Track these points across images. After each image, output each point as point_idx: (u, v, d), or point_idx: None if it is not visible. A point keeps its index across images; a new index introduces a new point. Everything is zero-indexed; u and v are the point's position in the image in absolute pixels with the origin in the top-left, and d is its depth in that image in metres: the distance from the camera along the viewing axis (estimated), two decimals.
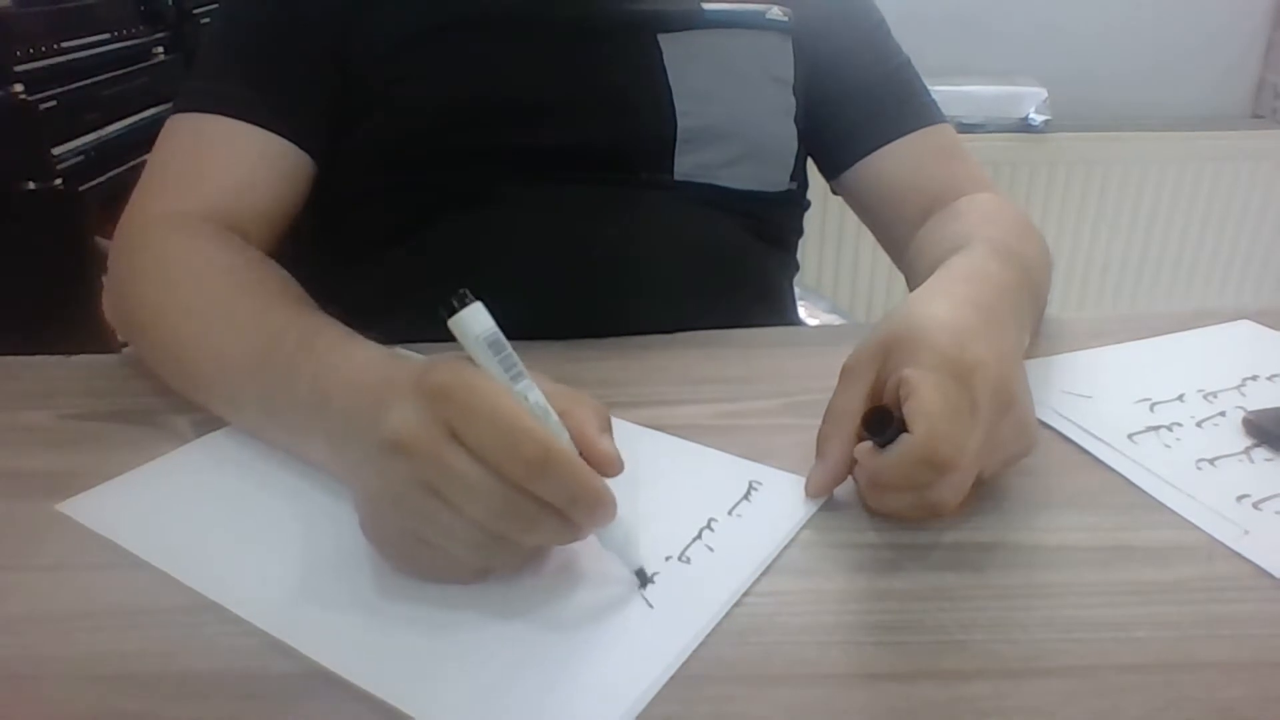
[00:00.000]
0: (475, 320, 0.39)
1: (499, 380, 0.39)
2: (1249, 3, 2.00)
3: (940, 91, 0.83)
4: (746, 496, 0.49)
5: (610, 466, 0.41)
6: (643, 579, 0.42)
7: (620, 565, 0.43)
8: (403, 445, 0.39)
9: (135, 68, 1.47)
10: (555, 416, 0.40)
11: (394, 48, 0.71)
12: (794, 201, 0.83)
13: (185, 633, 0.40)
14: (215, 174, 0.67)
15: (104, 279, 0.64)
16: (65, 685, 0.38)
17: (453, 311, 0.39)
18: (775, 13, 0.77)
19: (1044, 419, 0.56)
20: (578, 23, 0.73)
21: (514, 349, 0.40)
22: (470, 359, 0.40)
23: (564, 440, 0.40)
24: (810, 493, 0.49)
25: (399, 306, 0.66)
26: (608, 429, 0.43)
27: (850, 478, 0.49)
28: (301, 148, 0.70)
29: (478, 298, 0.40)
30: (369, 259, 0.74)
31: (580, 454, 0.40)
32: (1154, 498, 0.49)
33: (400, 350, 0.48)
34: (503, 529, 0.39)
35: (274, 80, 0.70)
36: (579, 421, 0.41)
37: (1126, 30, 1.98)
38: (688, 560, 0.44)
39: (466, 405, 0.38)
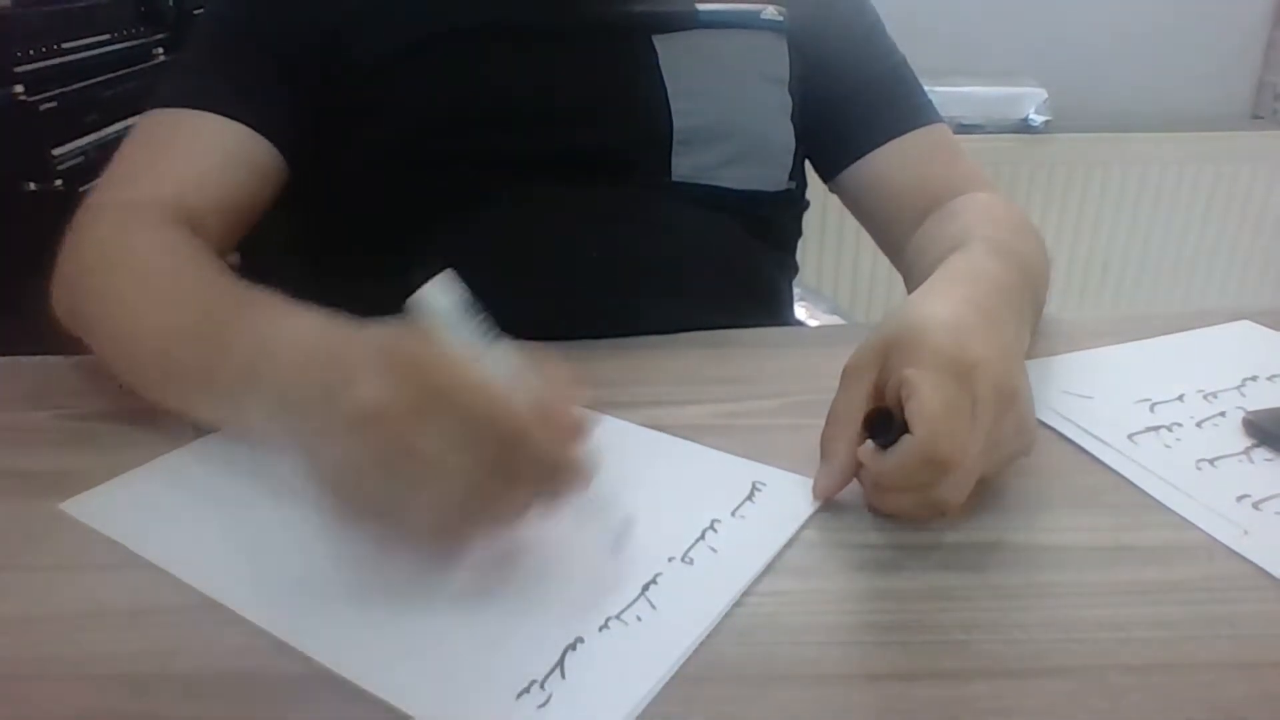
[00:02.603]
0: (443, 290, 0.39)
1: (469, 350, 0.39)
2: (1249, 3, 2.00)
3: (940, 92, 0.83)
4: (750, 497, 0.49)
5: (584, 430, 0.41)
6: (620, 543, 0.43)
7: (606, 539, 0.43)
8: (374, 418, 0.38)
9: (136, 68, 1.47)
10: (525, 385, 0.40)
11: (389, 56, 0.70)
12: (792, 201, 0.83)
13: (185, 633, 0.40)
14: (173, 165, 0.67)
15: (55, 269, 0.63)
16: (65, 685, 0.38)
17: (423, 285, 0.39)
18: (770, 13, 0.77)
19: (1044, 419, 0.56)
20: (573, 26, 0.73)
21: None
22: (436, 330, 0.39)
23: (536, 410, 0.40)
24: (818, 495, 0.49)
25: (400, 310, 0.66)
26: (574, 397, 0.42)
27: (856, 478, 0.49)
28: (270, 141, 0.69)
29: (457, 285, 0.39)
30: (368, 264, 0.74)
31: (554, 419, 0.40)
32: (1154, 498, 0.49)
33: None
34: (476, 503, 0.39)
35: (245, 76, 0.70)
36: (551, 389, 0.41)
37: (1126, 30, 1.98)
38: (690, 561, 0.44)
39: (439, 380, 0.38)
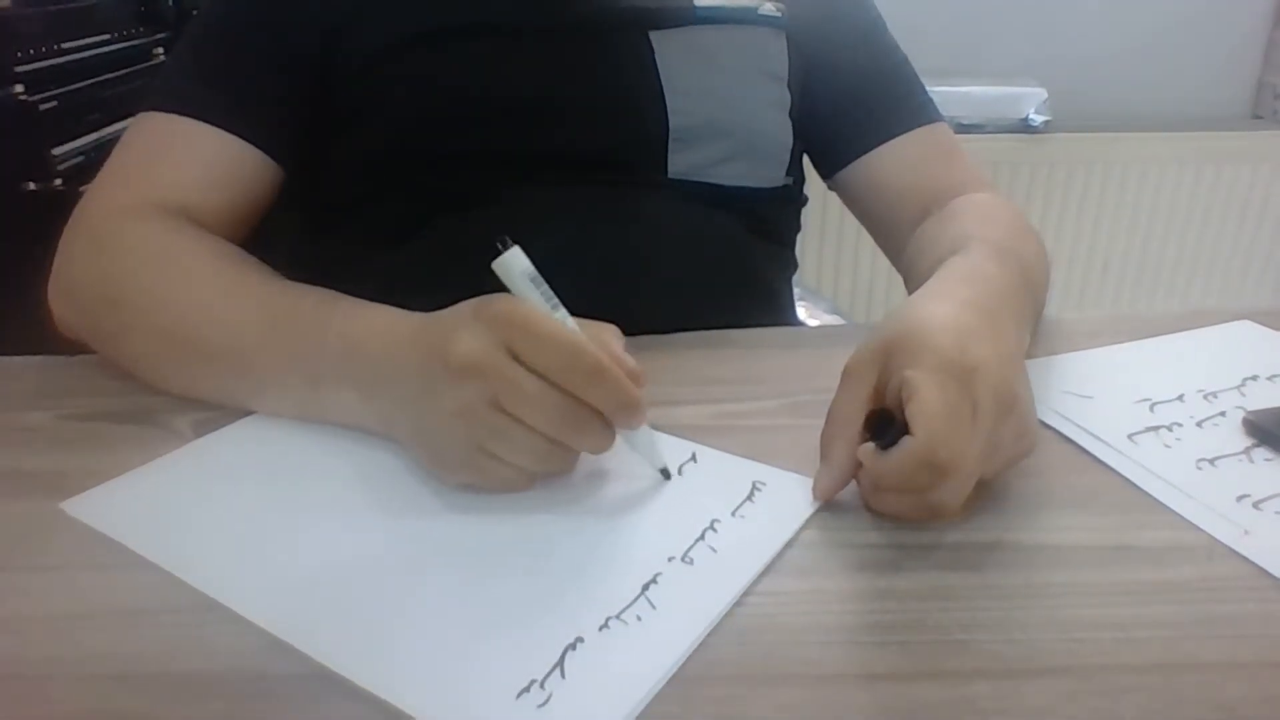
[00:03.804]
0: (516, 260, 0.46)
1: (541, 309, 0.46)
2: (1249, 3, 2.00)
3: (940, 92, 0.83)
4: (750, 497, 0.49)
5: (639, 377, 0.47)
6: (666, 475, 0.50)
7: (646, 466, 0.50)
8: (470, 367, 0.45)
9: (135, 68, 1.47)
10: (586, 339, 0.46)
11: (385, 54, 0.70)
12: (790, 198, 0.83)
13: (185, 633, 0.40)
14: (175, 172, 0.67)
15: (58, 270, 0.64)
16: (65, 685, 0.38)
17: (496, 254, 0.46)
18: (768, 8, 0.77)
19: (1044, 419, 0.56)
20: (569, 22, 0.73)
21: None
22: (512, 295, 0.46)
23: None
24: (818, 496, 0.49)
25: (400, 307, 0.66)
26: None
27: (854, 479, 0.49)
28: (265, 152, 0.70)
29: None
30: (366, 262, 0.74)
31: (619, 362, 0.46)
32: (1154, 498, 0.49)
33: None
34: (561, 435, 0.46)
35: (241, 84, 0.70)
36: (606, 342, 0.47)
37: (1126, 30, 1.98)
38: (690, 561, 0.44)
39: (526, 329, 0.44)
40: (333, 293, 0.57)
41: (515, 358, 0.44)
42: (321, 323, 0.54)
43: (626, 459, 0.50)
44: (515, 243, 0.46)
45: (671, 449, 0.53)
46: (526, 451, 0.46)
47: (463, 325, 0.46)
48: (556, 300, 0.47)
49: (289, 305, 0.57)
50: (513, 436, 0.45)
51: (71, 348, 0.64)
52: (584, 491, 0.50)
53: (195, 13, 0.75)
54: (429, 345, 0.47)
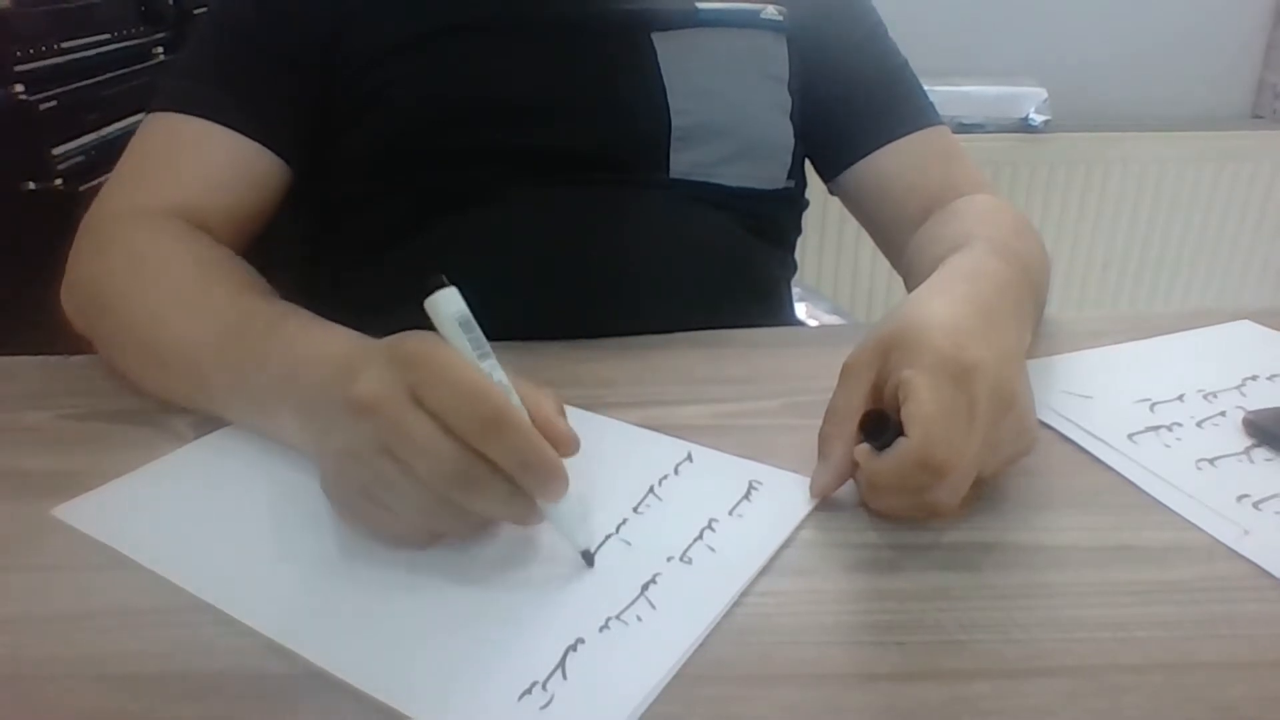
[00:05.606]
0: (447, 302, 0.42)
1: (467, 356, 0.41)
2: (1249, 3, 2.00)
3: (940, 91, 0.83)
4: (747, 496, 0.49)
5: (566, 444, 0.42)
6: (589, 560, 0.44)
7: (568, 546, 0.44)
8: (366, 406, 0.41)
9: (135, 68, 1.47)
10: (516, 397, 0.42)
11: (387, 52, 0.71)
12: (791, 200, 0.83)
13: (185, 633, 0.40)
14: (184, 174, 0.68)
15: (67, 268, 0.64)
16: (65, 685, 0.38)
17: (428, 294, 0.41)
18: (770, 12, 0.78)
19: (1044, 419, 0.56)
20: (572, 23, 0.73)
21: (505, 346, 0.42)
22: (442, 338, 0.42)
23: (522, 413, 0.41)
24: (814, 493, 0.49)
25: (399, 308, 0.66)
26: (563, 415, 0.44)
27: (852, 478, 0.49)
28: (275, 153, 0.70)
29: (456, 284, 0.42)
30: (368, 261, 0.75)
31: (539, 419, 0.42)
32: (1154, 498, 0.49)
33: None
34: (452, 492, 0.40)
35: (250, 85, 0.70)
36: (537, 403, 0.43)
37: (1126, 31, 1.98)
38: (689, 561, 0.44)
39: (429, 369, 0.40)
40: (285, 312, 0.55)
41: (417, 401, 0.40)
42: (265, 348, 0.53)
43: (625, 463, 0.50)
44: (451, 282, 0.42)
45: (668, 449, 0.54)
46: (411, 504, 0.41)
47: (371, 362, 0.42)
48: (488, 349, 0.42)
49: (239, 326, 0.55)
50: (398, 486, 0.41)
51: (72, 346, 0.64)
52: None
53: (200, 14, 0.75)
54: (337, 380, 0.44)
